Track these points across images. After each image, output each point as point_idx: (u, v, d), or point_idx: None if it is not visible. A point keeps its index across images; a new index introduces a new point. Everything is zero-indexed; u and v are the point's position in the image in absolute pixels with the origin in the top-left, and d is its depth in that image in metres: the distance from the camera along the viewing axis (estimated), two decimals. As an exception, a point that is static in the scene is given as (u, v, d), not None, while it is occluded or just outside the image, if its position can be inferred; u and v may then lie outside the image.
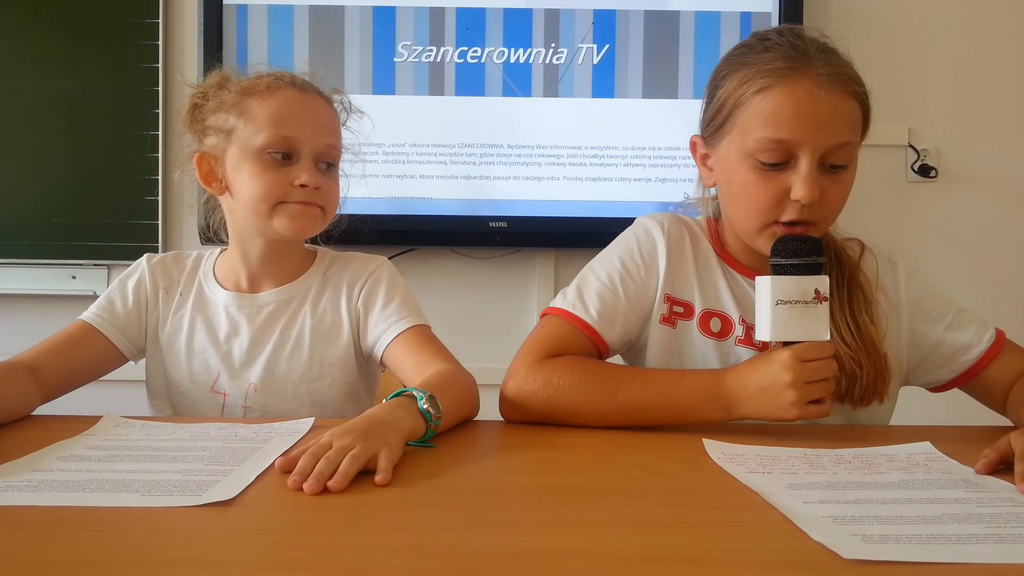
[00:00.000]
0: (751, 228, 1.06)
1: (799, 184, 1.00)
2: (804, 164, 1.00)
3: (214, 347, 1.20)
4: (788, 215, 1.02)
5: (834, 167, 1.02)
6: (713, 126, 1.09)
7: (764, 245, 1.05)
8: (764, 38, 1.06)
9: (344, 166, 1.25)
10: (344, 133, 1.26)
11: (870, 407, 1.08)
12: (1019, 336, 1.17)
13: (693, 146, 1.16)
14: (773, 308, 0.96)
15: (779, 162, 1.01)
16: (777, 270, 0.99)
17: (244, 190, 1.15)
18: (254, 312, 1.21)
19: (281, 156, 1.13)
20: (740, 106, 1.04)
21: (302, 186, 1.13)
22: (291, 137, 1.13)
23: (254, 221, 1.16)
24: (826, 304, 0.96)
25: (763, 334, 0.98)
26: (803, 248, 0.98)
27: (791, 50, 1.02)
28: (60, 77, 2.18)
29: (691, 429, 1.00)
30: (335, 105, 1.23)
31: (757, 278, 1.00)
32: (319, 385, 1.20)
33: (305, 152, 1.14)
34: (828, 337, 0.97)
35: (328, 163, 1.18)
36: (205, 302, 1.22)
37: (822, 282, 0.97)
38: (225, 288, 1.22)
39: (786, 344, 0.97)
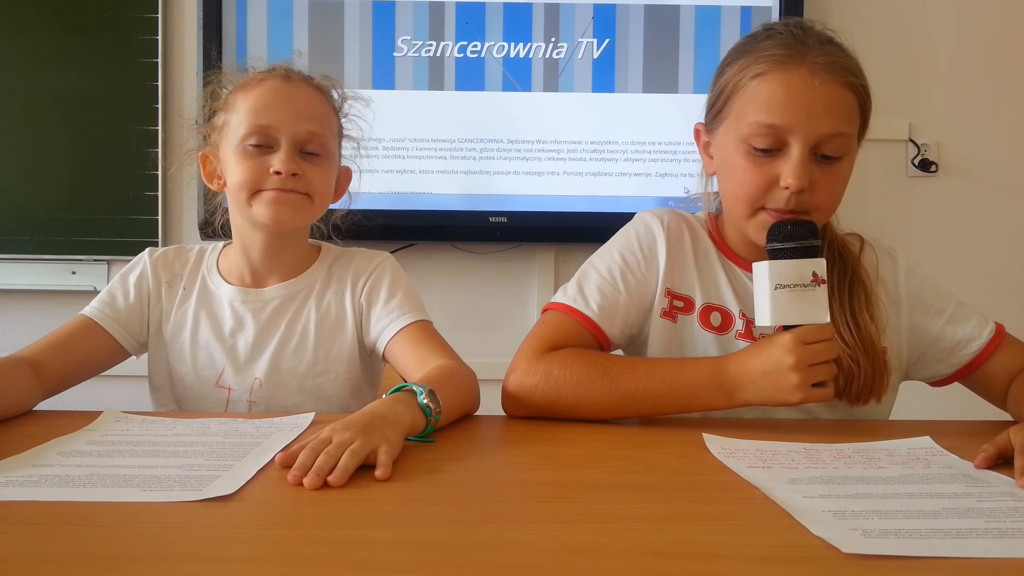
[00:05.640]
0: (741, 213, 1.07)
1: (788, 171, 1.00)
2: (794, 151, 1.00)
3: (219, 342, 1.20)
4: (777, 203, 1.03)
5: (827, 157, 1.02)
6: (713, 112, 1.10)
7: (754, 232, 1.05)
8: (769, 28, 1.07)
9: (354, 161, 1.25)
10: (349, 127, 1.26)
11: (867, 405, 1.08)
12: (1019, 330, 1.17)
13: (697, 134, 1.16)
14: (772, 293, 0.96)
15: (771, 148, 1.02)
16: (774, 255, 0.99)
17: (229, 182, 1.16)
18: (259, 307, 1.21)
19: (257, 145, 1.13)
20: (737, 91, 1.04)
21: (277, 173, 1.12)
22: (267, 125, 1.13)
23: (240, 212, 1.17)
24: (824, 286, 0.96)
25: (763, 319, 0.98)
26: (799, 231, 0.98)
27: (791, 39, 1.03)
28: (60, 72, 2.17)
29: (691, 424, 1.00)
30: (331, 94, 1.23)
31: (755, 264, 1.00)
32: (324, 380, 1.20)
33: (284, 139, 1.13)
34: (828, 319, 0.97)
35: (312, 150, 1.16)
36: (209, 296, 1.22)
37: (819, 264, 0.97)
38: (229, 282, 1.22)
39: (786, 328, 0.97)
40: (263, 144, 1.13)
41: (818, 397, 0.96)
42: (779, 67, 1.01)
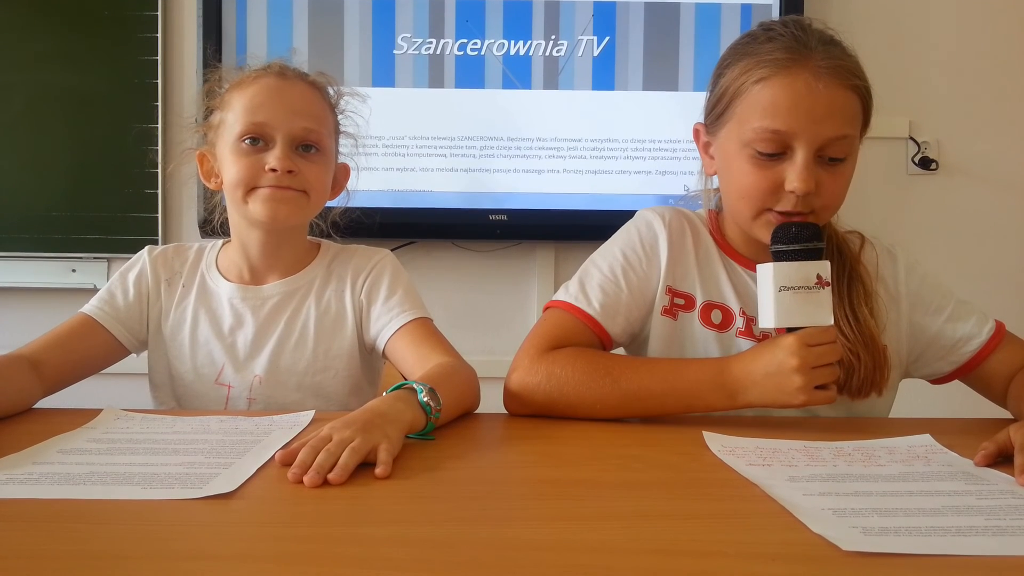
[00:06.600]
0: (747, 215, 1.06)
1: (793, 175, 1.00)
2: (800, 155, 1.00)
3: (218, 339, 1.20)
4: (783, 205, 1.03)
5: (831, 160, 1.02)
6: (714, 114, 1.10)
7: (760, 232, 1.05)
8: (768, 28, 1.06)
9: (351, 158, 1.25)
10: (346, 123, 1.26)
11: (868, 399, 1.08)
12: (1019, 328, 1.17)
13: (696, 134, 1.16)
14: (776, 295, 0.96)
15: (775, 152, 1.02)
16: (778, 256, 0.99)
17: (226, 179, 1.16)
18: (258, 304, 1.21)
19: (252, 142, 1.13)
20: (740, 95, 1.04)
21: (272, 170, 1.12)
22: (262, 122, 1.13)
23: (237, 209, 1.17)
24: (828, 289, 0.96)
25: (767, 321, 0.98)
26: (803, 234, 0.98)
27: (793, 41, 1.02)
28: (60, 70, 2.17)
29: (691, 422, 1.00)
30: (327, 91, 1.23)
31: (759, 266, 1.00)
32: (323, 377, 1.20)
33: (279, 136, 1.13)
34: (832, 322, 0.97)
35: (308, 146, 1.16)
36: (208, 294, 1.22)
37: (823, 267, 0.97)
38: (228, 280, 1.22)
39: (790, 330, 0.97)
40: (259, 141, 1.13)
41: (821, 400, 0.96)
42: (782, 71, 1.00)
